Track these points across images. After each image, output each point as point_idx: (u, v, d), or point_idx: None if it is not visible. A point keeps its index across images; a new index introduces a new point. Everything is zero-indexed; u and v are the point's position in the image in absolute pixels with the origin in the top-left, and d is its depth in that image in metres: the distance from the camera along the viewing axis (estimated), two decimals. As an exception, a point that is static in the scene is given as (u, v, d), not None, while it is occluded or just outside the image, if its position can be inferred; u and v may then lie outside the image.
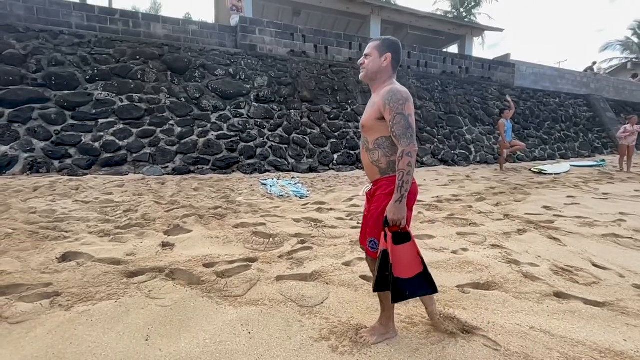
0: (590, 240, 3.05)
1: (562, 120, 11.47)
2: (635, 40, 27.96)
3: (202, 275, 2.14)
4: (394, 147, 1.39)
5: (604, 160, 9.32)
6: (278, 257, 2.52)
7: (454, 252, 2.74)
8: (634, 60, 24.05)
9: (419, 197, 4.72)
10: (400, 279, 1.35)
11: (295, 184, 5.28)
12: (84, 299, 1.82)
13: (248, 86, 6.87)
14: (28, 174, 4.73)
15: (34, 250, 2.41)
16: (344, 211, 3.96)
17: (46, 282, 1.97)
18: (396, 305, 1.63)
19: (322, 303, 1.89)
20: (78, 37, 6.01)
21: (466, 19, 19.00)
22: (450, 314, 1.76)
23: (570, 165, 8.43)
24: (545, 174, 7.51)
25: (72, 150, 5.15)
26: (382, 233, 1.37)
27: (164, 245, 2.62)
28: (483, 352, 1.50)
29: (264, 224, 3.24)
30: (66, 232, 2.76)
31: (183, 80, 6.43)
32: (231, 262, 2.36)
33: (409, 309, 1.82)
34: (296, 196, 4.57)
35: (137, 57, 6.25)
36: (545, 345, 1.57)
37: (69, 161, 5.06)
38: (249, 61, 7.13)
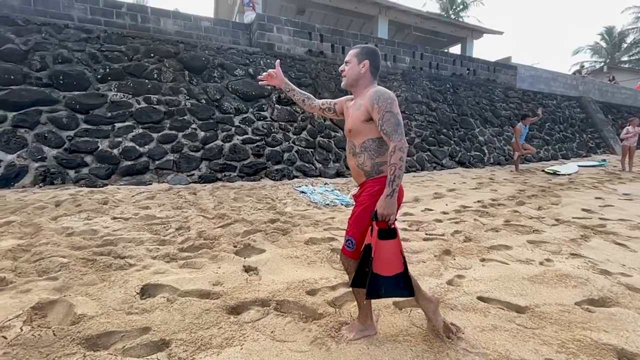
0: (651, 244, 3.05)
1: (560, 122, 11.90)
2: (604, 45, 29.92)
3: (316, 306, 1.89)
4: (379, 149, 1.40)
5: (604, 160, 9.73)
6: (375, 278, 2.31)
7: (541, 263, 2.66)
8: (606, 64, 25.63)
9: (465, 202, 4.69)
10: (378, 276, 1.33)
11: (332, 190, 5.05)
12: (202, 347, 1.53)
13: (269, 87, 6.53)
14: (41, 186, 4.20)
15: (102, 283, 2.06)
16: (402, 220, 3.80)
17: (142, 326, 1.65)
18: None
19: (462, 333, 1.71)
20: (85, 32, 5.45)
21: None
22: (602, 340, 1.63)
23: (577, 166, 8.72)
24: (559, 174, 7.70)
25: (88, 158, 4.63)
26: (369, 227, 1.36)
27: (247, 270, 2.34)
28: (673, 388, 1.38)
29: (334, 239, 3.02)
30: (126, 257, 2.41)
31: (201, 81, 6.01)
32: (333, 288, 2.13)
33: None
34: (342, 204, 4.35)
35: (152, 54, 5.76)
36: None
37: (85, 170, 4.55)
38: (268, 61, 6.79)
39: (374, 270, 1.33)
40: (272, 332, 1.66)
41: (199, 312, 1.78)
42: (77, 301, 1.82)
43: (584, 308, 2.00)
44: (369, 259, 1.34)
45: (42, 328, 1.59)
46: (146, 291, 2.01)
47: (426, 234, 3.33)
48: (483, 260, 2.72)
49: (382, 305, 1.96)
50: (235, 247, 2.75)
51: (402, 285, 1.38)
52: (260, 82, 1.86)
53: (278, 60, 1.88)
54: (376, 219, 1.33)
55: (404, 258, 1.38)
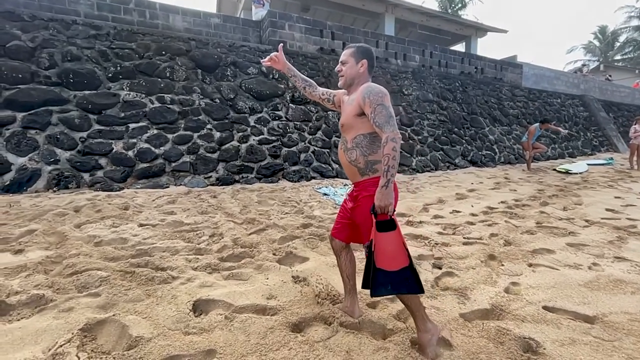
0: (691, 246, 3.01)
1: (565, 120, 11.96)
2: (597, 44, 30.30)
3: (383, 321, 1.78)
4: (372, 146, 1.41)
5: (612, 158, 9.78)
6: (431, 287, 2.21)
7: (590, 268, 2.59)
8: (601, 63, 25.95)
9: (489, 203, 4.62)
10: (382, 271, 1.28)
11: (353, 192, 4.94)
12: (279, 373, 1.41)
13: (282, 86, 6.38)
14: (55, 190, 3.99)
15: (148, 299, 1.91)
16: (435, 223, 3.71)
17: (206, 349, 1.52)
18: None
19: (544, 349, 1.62)
20: (94, 29, 5.22)
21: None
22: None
23: (587, 164, 8.75)
24: (572, 173, 7.71)
25: (102, 161, 4.43)
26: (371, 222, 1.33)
27: (297, 280, 2.22)
28: None
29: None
30: (167, 269, 2.26)
31: (214, 79, 5.83)
32: (392, 300, 2.01)
33: None
34: (368, 207, 4.23)
35: (163, 52, 5.55)
36: None
37: (100, 173, 4.35)
38: (280, 59, 6.62)
39: (377, 265, 1.27)
40: (347, 352, 1.54)
41: (263, 330, 1.65)
42: (128, 321, 1.68)
43: (654, 318, 1.92)
44: (372, 255, 1.29)
45: (99, 354, 1.45)
46: (198, 307, 1.87)
47: (464, 238, 3.24)
48: (531, 265, 2.65)
49: (450, 318, 1.86)
50: (275, 254, 2.62)
51: (409, 280, 1.30)
52: (263, 65, 1.86)
53: (281, 45, 1.85)
54: (375, 212, 1.29)
55: (407, 251, 1.31)
